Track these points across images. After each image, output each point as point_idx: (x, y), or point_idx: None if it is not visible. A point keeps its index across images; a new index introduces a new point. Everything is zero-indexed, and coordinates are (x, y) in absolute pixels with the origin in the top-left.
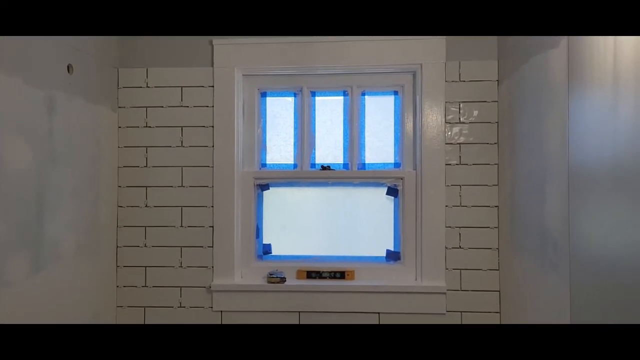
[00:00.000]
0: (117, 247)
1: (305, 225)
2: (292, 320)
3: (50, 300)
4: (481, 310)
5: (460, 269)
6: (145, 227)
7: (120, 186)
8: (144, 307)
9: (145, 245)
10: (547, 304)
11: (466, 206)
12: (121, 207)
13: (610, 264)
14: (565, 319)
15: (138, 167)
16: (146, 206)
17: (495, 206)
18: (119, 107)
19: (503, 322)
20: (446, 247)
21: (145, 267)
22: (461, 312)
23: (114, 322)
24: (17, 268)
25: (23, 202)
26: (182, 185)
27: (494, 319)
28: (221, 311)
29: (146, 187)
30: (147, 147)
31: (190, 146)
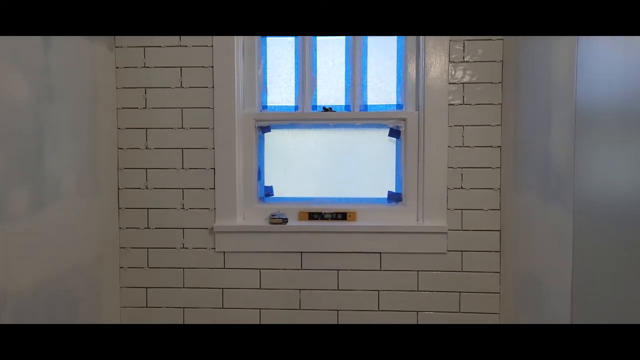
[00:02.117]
0: (119, 189)
1: (307, 168)
2: (295, 260)
3: (54, 238)
4: (481, 249)
5: (462, 209)
6: (146, 169)
7: (119, 128)
8: (147, 248)
9: (147, 187)
10: (549, 236)
11: (469, 147)
12: (121, 149)
13: (615, 197)
14: (567, 250)
15: (137, 108)
16: (147, 148)
17: (498, 146)
18: (116, 47)
19: (502, 261)
20: (448, 188)
21: (147, 209)
22: (462, 251)
23: (117, 264)
24: (18, 203)
25: (22, 137)
26: (182, 127)
27: (494, 258)
28: (224, 252)
29: (146, 129)
30: (145, 88)
31: (189, 87)
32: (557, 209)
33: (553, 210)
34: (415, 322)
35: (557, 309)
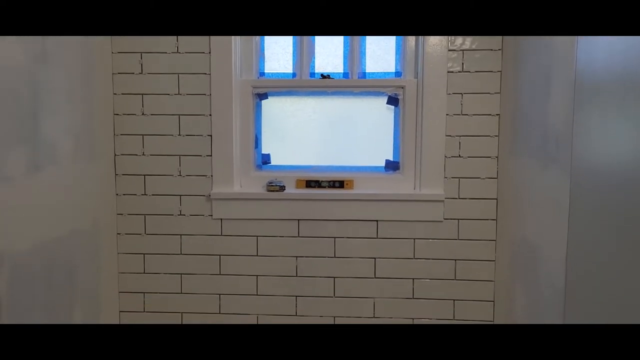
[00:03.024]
0: (115, 155)
1: (304, 136)
2: (292, 227)
3: (50, 202)
4: (478, 217)
5: (459, 178)
6: (143, 135)
7: (115, 93)
8: (144, 215)
9: (144, 154)
10: (546, 201)
11: (467, 115)
12: (117, 115)
13: (613, 162)
14: (563, 215)
15: (133, 73)
16: (143, 114)
17: (497, 114)
18: None
19: (498, 229)
20: (445, 156)
21: (144, 175)
22: (458, 219)
23: (114, 230)
24: (15, 164)
25: (16, 98)
26: (178, 93)
27: (490, 226)
28: (221, 219)
29: (142, 94)
30: (141, 53)
31: (186, 52)
32: (554, 174)
33: (550, 175)
34: (411, 289)
35: (552, 274)
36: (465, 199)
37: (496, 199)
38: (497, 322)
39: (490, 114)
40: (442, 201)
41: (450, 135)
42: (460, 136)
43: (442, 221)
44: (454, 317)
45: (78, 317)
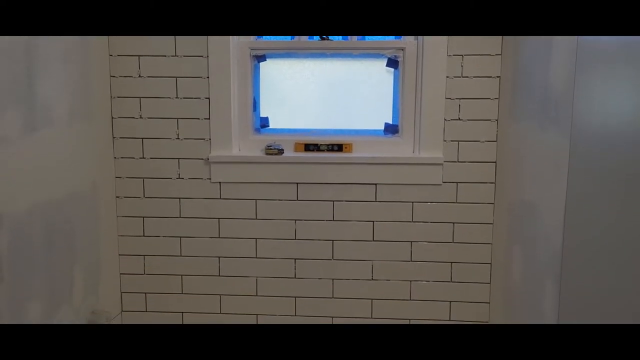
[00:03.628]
0: (112, 118)
1: (303, 99)
2: (290, 191)
3: (48, 164)
4: (477, 181)
5: (458, 141)
6: (140, 97)
7: (111, 55)
8: (143, 178)
9: (141, 117)
10: (545, 163)
11: (467, 77)
12: (113, 77)
13: (613, 123)
14: (562, 176)
15: (129, 37)
16: (139, 76)
17: (497, 77)
18: None
19: (497, 193)
20: (445, 119)
21: (142, 138)
22: (457, 182)
23: (113, 193)
24: (10, 124)
25: (11, 58)
26: (175, 55)
27: (489, 189)
28: (220, 182)
29: (138, 56)
30: None
31: None
32: (554, 135)
33: (550, 136)
34: (409, 252)
35: (550, 236)
36: (464, 162)
37: (495, 162)
38: (494, 283)
39: (490, 76)
40: (441, 164)
41: (450, 98)
42: (460, 99)
43: (440, 184)
44: (451, 279)
45: (79, 279)
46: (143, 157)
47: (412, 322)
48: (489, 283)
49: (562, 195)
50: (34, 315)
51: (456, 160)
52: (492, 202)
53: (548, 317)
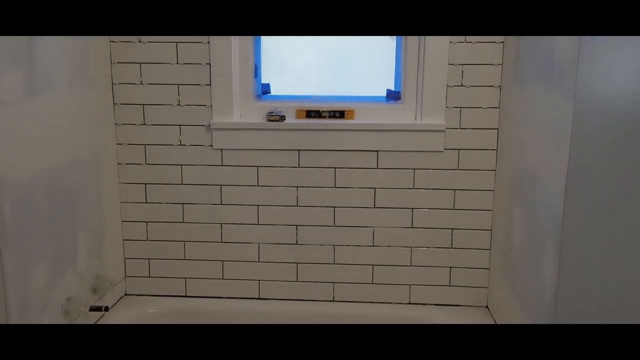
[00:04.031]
0: (113, 84)
1: (304, 65)
2: (292, 157)
3: (49, 130)
4: (479, 147)
5: (460, 107)
6: (140, 63)
7: None
8: (144, 144)
9: (142, 83)
10: (547, 128)
11: (471, 42)
12: (113, 42)
13: (617, 88)
14: (565, 141)
15: None
16: (139, 41)
17: (501, 42)
18: None
19: (498, 159)
20: (448, 85)
21: (143, 105)
22: (459, 149)
23: (115, 160)
24: (10, 88)
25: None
26: None
27: (490, 156)
28: (221, 149)
29: None
30: None
31: None
32: (557, 102)
33: (553, 103)
34: (410, 218)
35: (550, 200)
36: (467, 129)
37: (497, 129)
38: (494, 250)
39: (494, 42)
40: (443, 131)
41: (452, 64)
42: (463, 65)
43: (442, 151)
44: (451, 245)
45: (82, 245)
46: (144, 124)
47: (412, 287)
48: (489, 249)
49: (564, 159)
50: (39, 279)
51: (458, 127)
52: (494, 169)
53: (547, 281)
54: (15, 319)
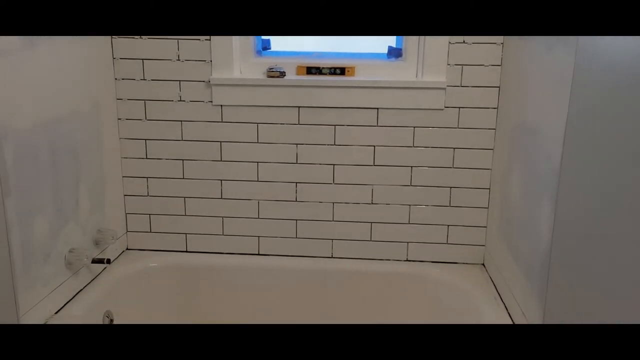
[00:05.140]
0: (112, 38)
1: None
2: (292, 114)
3: (49, 81)
4: (479, 106)
5: (462, 65)
6: None
7: None
8: (144, 100)
9: (141, 37)
10: (549, 82)
11: None
12: None
13: (620, 43)
14: (564, 95)
15: None
16: None
17: None
18: None
19: (499, 117)
20: (449, 42)
21: (142, 59)
22: (459, 107)
23: (115, 115)
24: (10, 37)
25: None
26: None
27: (491, 114)
28: (221, 105)
29: None
30: None
31: None
32: (559, 55)
33: (555, 55)
34: (409, 176)
35: (548, 153)
36: (468, 86)
37: (499, 86)
38: (491, 208)
39: None
40: (444, 89)
41: None
42: None
43: (442, 109)
44: (450, 204)
45: (84, 197)
46: (144, 79)
47: (410, 245)
48: (487, 208)
49: (564, 111)
50: (41, 229)
51: (459, 84)
52: (494, 127)
53: (543, 237)
54: (19, 268)
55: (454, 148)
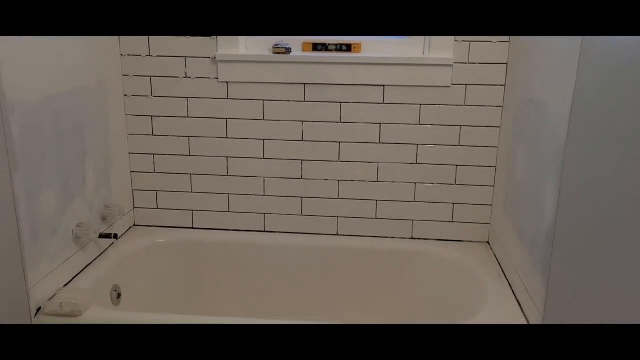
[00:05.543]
0: None
1: None
2: (298, 91)
3: (56, 54)
4: (486, 83)
5: (469, 41)
6: None
7: None
8: (150, 76)
9: None
10: (556, 58)
11: None
12: None
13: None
14: (572, 70)
15: None
16: None
17: None
18: None
19: (506, 94)
20: None
21: (148, 36)
22: (466, 85)
23: (121, 91)
24: None
25: None
26: None
27: (498, 92)
28: (227, 82)
29: None
30: None
31: None
32: None
33: None
34: (415, 154)
35: (554, 129)
36: (475, 63)
37: (506, 63)
38: (497, 186)
39: None
40: (451, 65)
41: None
42: None
43: (449, 86)
44: (455, 182)
45: (91, 173)
46: (149, 55)
47: (415, 223)
48: (493, 186)
49: (571, 89)
50: (49, 204)
51: (466, 61)
52: (501, 105)
53: (547, 214)
54: (27, 243)
55: (461, 126)
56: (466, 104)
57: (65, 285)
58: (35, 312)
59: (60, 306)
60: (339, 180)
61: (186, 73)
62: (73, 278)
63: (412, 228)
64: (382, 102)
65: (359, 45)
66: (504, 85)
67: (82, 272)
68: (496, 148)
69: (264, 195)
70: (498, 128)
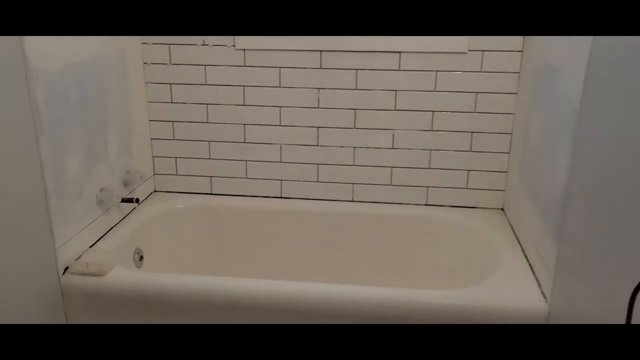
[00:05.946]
0: None
1: None
2: (314, 58)
3: None
4: (503, 49)
5: None
6: None
7: None
8: (169, 44)
9: None
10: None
11: None
12: None
13: None
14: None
15: None
16: None
17: None
18: None
19: (523, 61)
20: None
21: None
22: (483, 51)
23: (140, 59)
24: None
25: None
26: None
27: (515, 58)
28: (244, 49)
29: None
30: None
31: None
32: None
33: None
34: (430, 121)
35: (569, 95)
36: None
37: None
38: (512, 152)
39: None
40: None
41: None
42: None
43: (466, 52)
44: (470, 149)
45: (112, 139)
46: None
47: (430, 189)
48: (509, 153)
49: (586, 52)
50: (74, 167)
51: None
52: (518, 71)
53: (561, 178)
54: (54, 205)
55: (477, 92)
56: (483, 70)
57: (90, 246)
58: (62, 271)
59: (87, 266)
60: (354, 147)
61: (204, 41)
62: (98, 240)
63: (427, 195)
64: (397, 69)
65: None
66: (522, 51)
67: (106, 235)
68: (512, 115)
69: (281, 161)
70: (515, 95)
